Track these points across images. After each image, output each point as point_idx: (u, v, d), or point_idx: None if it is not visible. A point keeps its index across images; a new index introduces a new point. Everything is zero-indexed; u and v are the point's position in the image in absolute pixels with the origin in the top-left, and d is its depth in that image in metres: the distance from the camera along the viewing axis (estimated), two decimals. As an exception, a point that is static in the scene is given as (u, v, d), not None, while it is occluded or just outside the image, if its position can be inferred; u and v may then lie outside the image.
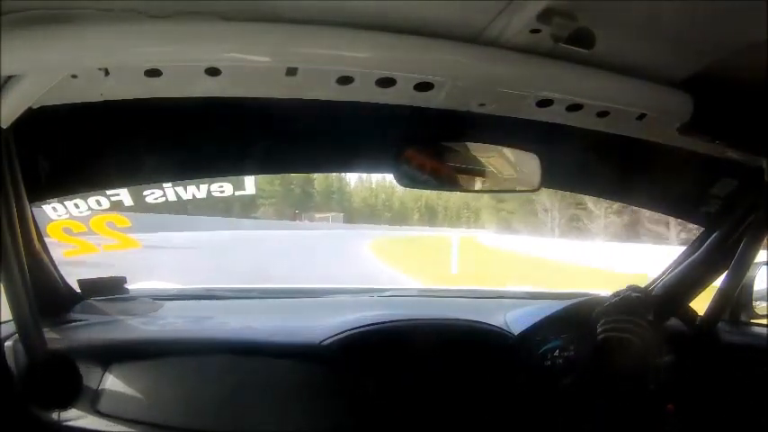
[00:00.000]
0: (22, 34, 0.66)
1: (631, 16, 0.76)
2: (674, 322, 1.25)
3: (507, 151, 1.06)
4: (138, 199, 1.14)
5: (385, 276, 9.69)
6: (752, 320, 1.38)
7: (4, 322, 0.95)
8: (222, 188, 1.32)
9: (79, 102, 0.84)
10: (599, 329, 1.12)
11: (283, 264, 9.40)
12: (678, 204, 1.37)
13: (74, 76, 0.77)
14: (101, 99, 0.84)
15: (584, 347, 1.17)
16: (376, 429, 1.09)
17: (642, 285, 1.28)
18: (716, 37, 0.79)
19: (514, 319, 1.26)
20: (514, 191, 1.12)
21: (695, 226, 1.39)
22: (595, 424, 1.13)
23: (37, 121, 0.81)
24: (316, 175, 34.67)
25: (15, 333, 0.91)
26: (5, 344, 0.95)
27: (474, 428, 1.14)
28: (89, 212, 1.14)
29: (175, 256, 9.51)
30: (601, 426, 1.13)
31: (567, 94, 0.91)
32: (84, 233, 1.29)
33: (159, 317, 1.21)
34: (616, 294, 1.18)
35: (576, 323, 1.20)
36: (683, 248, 1.35)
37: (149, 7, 0.69)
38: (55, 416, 0.95)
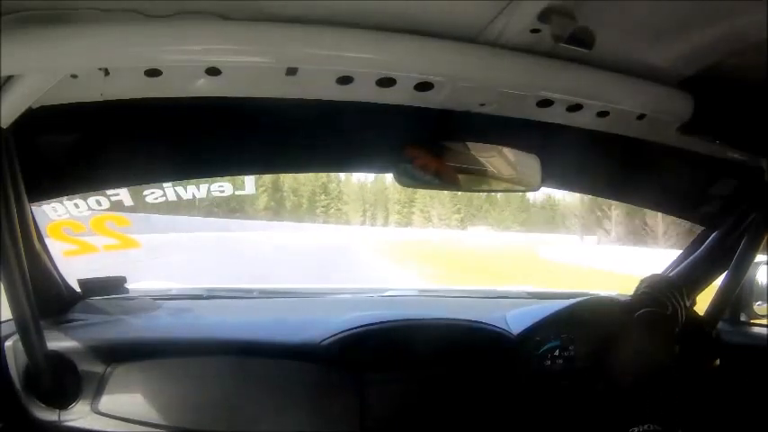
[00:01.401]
0: (22, 34, 0.66)
1: (631, 16, 0.76)
2: None
3: (507, 151, 1.06)
4: (138, 199, 1.14)
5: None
6: (752, 320, 1.38)
7: (4, 322, 0.95)
8: (222, 188, 1.32)
9: (79, 102, 0.84)
10: (640, 289, 1.16)
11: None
12: (678, 204, 1.37)
13: (74, 76, 0.77)
14: (101, 99, 0.83)
15: (583, 347, 1.17)
16: (376, 429, 1.09)
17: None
18: (716, 37, 0.79)
19: (514, 319, 1.25)
20: (514, 191, 1.11)
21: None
22: (595, 423, 1.13)
23: (37, 121, 0.81)
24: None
25: (15, 333, 0.91)
26: (5, 344, 0.95)
27: (474, 428, 1.14)
28: (89, 212, 1.14)
29: None
30: (600, 425, 1.13)
31: (567, 94, 0.91)
32: (84, 233, 1.29)
33: (159, 317, 1.20)
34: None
35: (576, 323, 1.20)
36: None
37: (149, 7, 0.69)
38: (55, 416, 0.95)
